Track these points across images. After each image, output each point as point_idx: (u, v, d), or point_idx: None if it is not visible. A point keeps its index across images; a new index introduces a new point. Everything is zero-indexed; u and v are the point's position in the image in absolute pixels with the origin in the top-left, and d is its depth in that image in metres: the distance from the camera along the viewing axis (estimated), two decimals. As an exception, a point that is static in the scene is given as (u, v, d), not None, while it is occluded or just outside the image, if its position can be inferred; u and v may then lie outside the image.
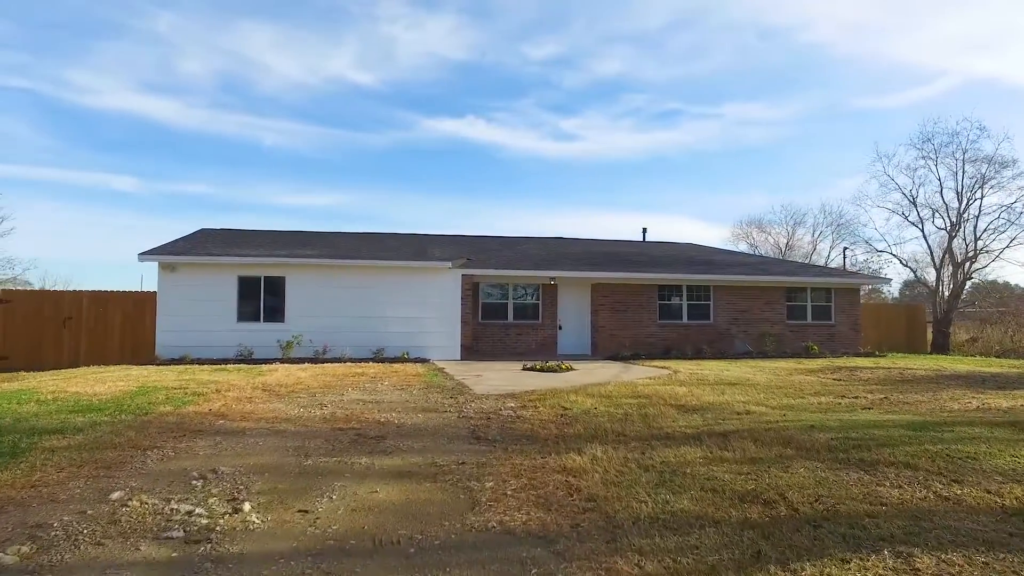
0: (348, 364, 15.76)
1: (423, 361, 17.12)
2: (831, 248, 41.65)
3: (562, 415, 7.78)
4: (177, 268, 17.32)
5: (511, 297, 20.68)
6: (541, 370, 14.42)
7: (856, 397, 9.78)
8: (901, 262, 27.93)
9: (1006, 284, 27.97)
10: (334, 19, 51.30)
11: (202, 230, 22.52)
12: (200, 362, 15.97)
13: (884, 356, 20.64)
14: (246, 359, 16.60)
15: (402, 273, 18.41)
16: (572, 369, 14.71)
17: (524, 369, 14.75)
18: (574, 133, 65.39)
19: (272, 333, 17.29)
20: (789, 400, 9.39)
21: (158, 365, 15.50)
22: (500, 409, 8.34)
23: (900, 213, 27.28)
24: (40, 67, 48.52)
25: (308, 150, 67.22)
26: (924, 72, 55.53)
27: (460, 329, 18.50)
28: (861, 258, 31.16)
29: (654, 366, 15.74)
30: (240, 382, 11.03)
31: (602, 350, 19.77)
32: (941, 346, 24.48)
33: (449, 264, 18.45)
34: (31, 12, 44.74)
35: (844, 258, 31.38)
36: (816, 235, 42.65)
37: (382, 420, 7.43)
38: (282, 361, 16.33)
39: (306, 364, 15.74)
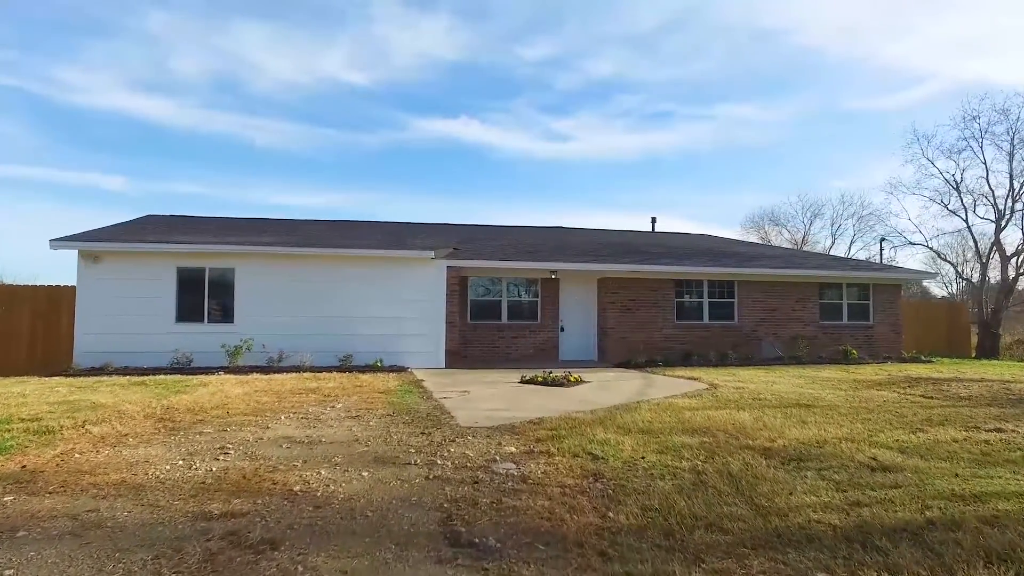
0: (305, 375, 12.81)
1: (399, 370, 14.19)
2: (852, 242, 39.05)
3: (595, 475, 4.85)
4: (101, 258, 14.27)
5: (505, 294, 17.75)
6: (544, 383, 11.51)
7: (999, 430, 6.92)
8: (939, 256, 25.39)
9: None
10: (327, 19, 49.39)
11: (148, 216, 19.47)
12: (124, 372, 12.97)
13: (932, 361, 17.92)
14: (183, 368, 13.62)
15: (376, 265, 15.44)
16: (582, 382, 11.81)
17: (523, 382, 11.84)
18: (567, 134, 64.81)
19: (217, 336, 14.28)
20: (909, 436, 6.51)
21: (71, 376, 12.48)
22: (494, 460, 5.41)
23: (939, 201, 24.52)
24: (29, 65, 45.92)
25: (300, 150, 66.22)
26: (915, 74, 55.23)
27: (445, 331, 15.56)
28: (887, 253, 28.52)
29: (681, 377, 12.86)
30: (136, 406, 8.04)
31: (611, 355, 16.88)
32: (989, 349, 21.75)
33: (431, 254, 15.50)
34: (19, 9, 41.96)
35: (881, 250, 28.58)
36: (835, 229, 40.02)
37: (298, 489, 4.47)
38: (227, 370, 13.35)
39: (254, 375, 12.78)
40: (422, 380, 12.24)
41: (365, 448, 5.92)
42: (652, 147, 65.67)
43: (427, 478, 4.84)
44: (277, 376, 12.52)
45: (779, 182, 70.05)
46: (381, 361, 14.76)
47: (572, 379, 11.71)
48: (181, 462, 5.18)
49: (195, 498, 4.14)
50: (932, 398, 9.66)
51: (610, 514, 3.91)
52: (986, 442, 6.27)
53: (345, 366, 14.32)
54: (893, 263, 27.00)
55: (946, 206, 24.38)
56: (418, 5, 50.01)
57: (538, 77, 60.20)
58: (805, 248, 37.12)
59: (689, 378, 12.53)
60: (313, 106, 60.87)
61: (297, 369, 13.78)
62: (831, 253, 35.92)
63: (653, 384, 11.62)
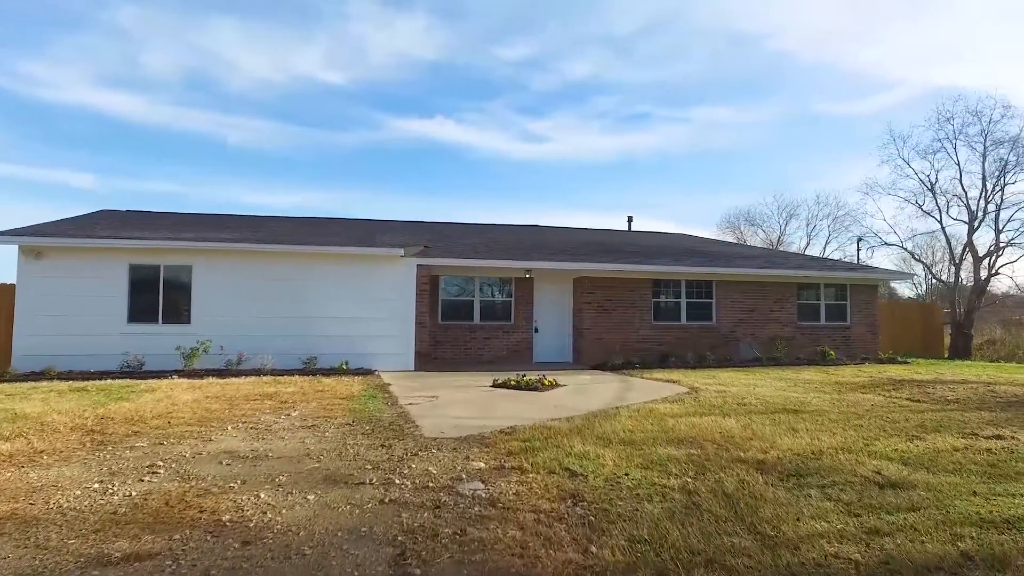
0: (265, 379, 12.07)
1: (366, 373, 13.50)
2: (827, 243, 39.20)
3: (573, 496, 4.28)
4: (45, 254, 13.32)
5: (478, 293, 17.13)
6: (518, 387, 10.93)
7: (998, 436, 6.52)
8: (914, 257, 25.40)
9: None
10: (304, 17, 48.35)
11: (102, 211, 18.44)
12: (67, 377, 12.06)
13: (908, 362, 17.76)
14: (133, 371, 12.76)
15: (342, 263, 14.71)
16: (558, 385, 11.25)
17: (495, 385, 11.25)
18: (544, 135, 64.50)
19: (172, 338, 13.42)
20: (908, 445, 6.07)
21: (6, 381, 11.54)
22: (460, 479, 4.80)
23: (914, 202, 24.48)
24: (-8, 58, 43.91)
25: (276, 149, 64.69)
26: (885, 80, 56.12)
27: (415, 332, 14.89)
28: (862, 254, 28.53)
29: (660, 379, 12.39)
30: (66, 416, 7.26)
31: (587, 357, 16.37)
32: (962, 350, 21.74)
33: (401, 252, 14.82)
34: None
35: (858, 250, 28.54)
36: (811, 229, 40.15)
37: (228, 519, 3.82)
38: (181, 374, 12.54)
39: (209, 379, 12.00)
40: (389, 384, 11.59)
41: (316, 464, 5.28)
42: (628, 149, 65.87)
43: (382, 501, 4.22)
44: (234, 380, 11.76)
45: (755, 184, 70.73)
46: (347, 363, 14.05)
47: (547, 383, 11.15)
48: (97, 485, 4.48)
49: (98, 534, 3.46)
50: (920, 401, 9.31)
51: (593, 548, 3.34)
52: (989, 451, 5.85)
53: (309, 369, 13.60)
54: (869, 264, 26.98)
55: (921, 207, 24.43)
56: (395, 4, 49.36)
57: (515, 78, 60.02)
58: (780, 249, 37.15)
59: (668, 381, 12.06)
60: (289, 104, 59.78)
61: (258, 372, 13.02)
62: (807, 254, 35.98)
63: (631, 388, 11.11)
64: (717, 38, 53.06)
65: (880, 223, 30.04)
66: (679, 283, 17.62)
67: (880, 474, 4.86)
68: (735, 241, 38.48)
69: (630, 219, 24.58)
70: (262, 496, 4.29)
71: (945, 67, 50.59)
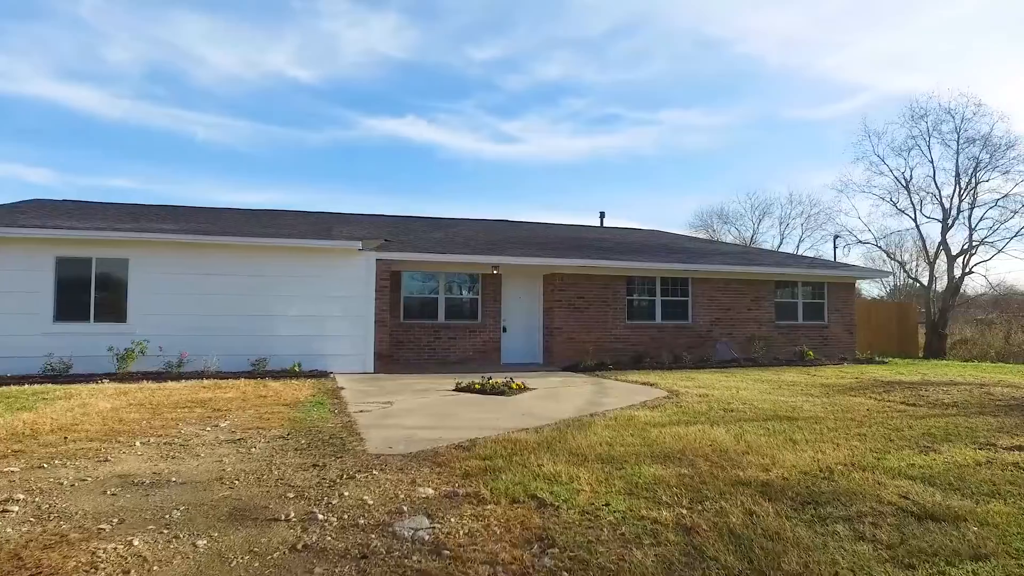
0: (206, 383, 10.97)
1: (319, 376, 12.44)
2: (800, 241, 39.02)
3: (542, 539, 3.35)
4: (-42, 245, 11.97)
5: (443, 291, 16.14)
6: (482, 391, 10.00)
7: (1019, 448, 5.79)
8: (889, 255, 25.12)
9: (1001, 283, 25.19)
10: (273, 13, 46.73)
11: (34, 200, 16.99)
12: (-22, 381, 10.76)
13: (886, 362, 17.31)
14: (57, 375, 11.50)
15: (296, 257, 13.61)
16: (526, 389, 10.35)
17: (458, 389, 10.30)
18: (515, 135, 64.17)
19: (105, 338, 12.18)
20: (924, 460, 5.29)
21: (-93, 387, 10.22)
22: (400, 513, 3.85)
23: (889, 200, 24.16)
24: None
25: (244, 146, 63.16)
26: (848, 86, 56.92)
27: (374, 332, 13.86)
28: (840, 252, 28.25)
29: (636, 382, 11.56)
30: (-58, 430, 6.11)
31: (558, 358, 15.50)
32: (937, 350, 21.43)
33: (359, 245, 13.77)
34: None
35: (835, 247, 28.20)
36: (784, 228, 39.94)
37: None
38: (113, 378, 11.36)
39: (144, 383, 10.83)
40: (342, 388, 10.56)
41: (226, 492, 4.27)
42: (599, 150, 65.60)
43: (294, 548, 3.25)
44: (170, 385, 10.60)
45: (724, 187, 71.10)
46: (300, 365, 12.96)
47: (514, 386, 10.24)
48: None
49: None
50: (916, 405, 8.62)
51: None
52: (1017, 466, 5.10)
53: (258, 371, 12.49)
54: (845, 262, 26.65)
55: (895, 204, 24.12)
56: (367, 2, 48.25)
57: (487, 78, 59.53)
58: (754, 247, 36.85)
59: (645, 383, 11.24)
60: (258, 102, 58.26)
61: (200, 375, 11.88)
62: (783, 251, 35.75)
63: (606, 391, 10.26)
64: (684, 41, 53.20)
65: (854, 221, 30.15)
66: (654, 280, 16.87)
67: (910, 499, 4.04)
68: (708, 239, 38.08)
69: (602, 215, 23.85)
70: (135, 544, 3.28)
71: (907, 75, 51.50)
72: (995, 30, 43.51)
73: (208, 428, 6.65)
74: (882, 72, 53.17)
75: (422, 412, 7.97)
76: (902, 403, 8.85)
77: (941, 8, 44.59)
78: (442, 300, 16.05)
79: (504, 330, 16.35)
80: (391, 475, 4.74)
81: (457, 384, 10.62)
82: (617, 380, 12.02)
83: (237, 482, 4.54)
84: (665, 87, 60.94)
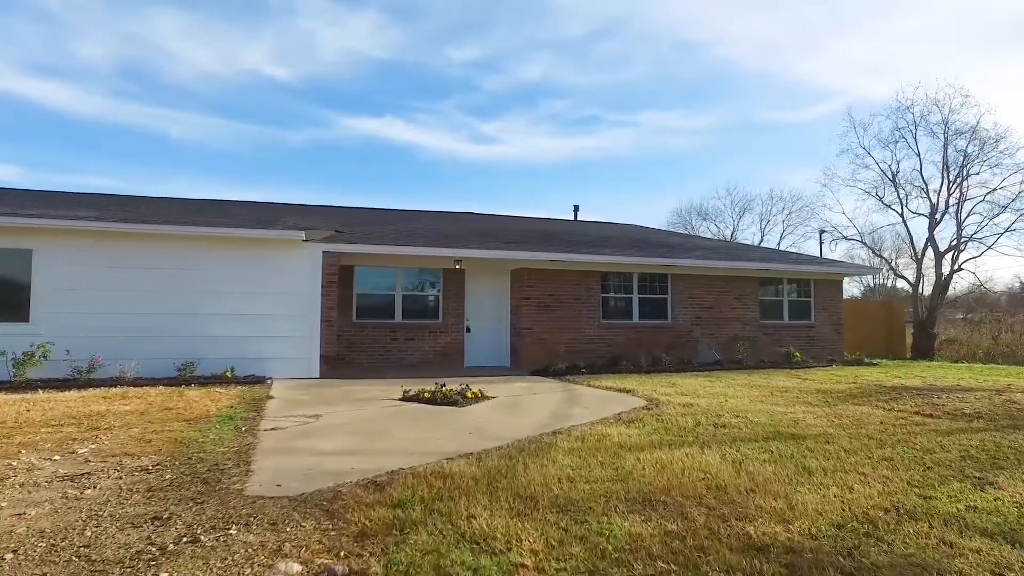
0: (114, 391, 9.55)
1: (255, 382, 10.97)
2: (782, 238, 38.12)
3: None
4: None
5: (400, 287, 14.66)
6: (432, 400, 8.58)
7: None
8: (875, 252, 24.14)
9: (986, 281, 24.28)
10: (250, 10, 45.14)
11: (-58, 187, 15.18)
12: None
13: (877, 364, 16.24)
14: (-63, 384, 9.84)
15: (231, 249, 12.06)
16: (484, 397, 8.95)
17: (405, 398, 8.87)
18: (494, 136, 63.33)
19: (2, 340, 10.54)
20: (984, 500, 4.01)
21: None
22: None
23: (875, 194, 23.14)
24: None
25: (220, 144, 61.23)
26: (823, 91, 56.51)
27: (320, 332, 12.36)
28: (826, 247, 27.20)
29: (611, 388, 10.23)
30: None
31: (526, 361, 14.12)
32: (925, 350, 20.44)
33: (302, 235, 12.26)
34: None
35: (820, 243, 27.16)
36: (765, 225, 39.01)
37: None
38: (5, 387, 9.74)
39: (37, 393, 9.30)
40: (271, 397, 9.09)
41: (-14, 574, 2.81)
42: (578, 151, 64.90)
43: None
44: (66, 395, 9.05)
45: (704, 187, 70.52)
46: (233, 370, 11.42)
47: (470, 394, 8.83)
48: None
49: None
50: (934, 417, 7.38)
51: None
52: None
53: (183, 377, 10.94)
54: (832, 258, 25.64)
55: (881, 199, 23.10)
56: (345, 1, 46.82)
57: (466, 78, 58.62)
58: (737, 242, 35.86)
59: (621, 390, 9.91)
60: (235, 99, 56.46)
61: (115, 382, 10.34)
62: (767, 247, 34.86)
63: (577, 400, 8.89)
64: (663, 44, 52.72)
65: (839, 216, 29.12)
66: (631, 276, 15.58)
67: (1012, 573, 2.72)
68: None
69: (576, 208, 22.49)
70: None
71: (881, 82, 51.43)
72: (968, 38, 43.21)
73: (58, 456, 5.15)
74: (858, 77, 53.09)
75: (348, 429, 6.52)
76: (916, 413, 7.61)
77: (915, 14, 44.31)
78: (399, 298, 14.58)
79: (468, 331, 14.93)
80: (254, 535, 3.30)
81: (405, 392, 9.18)
82: (590, 386, 10.68)
83: (22, 549, 3.08)
84: (645, 89, 60.52)
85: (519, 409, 8.03)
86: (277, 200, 18.38)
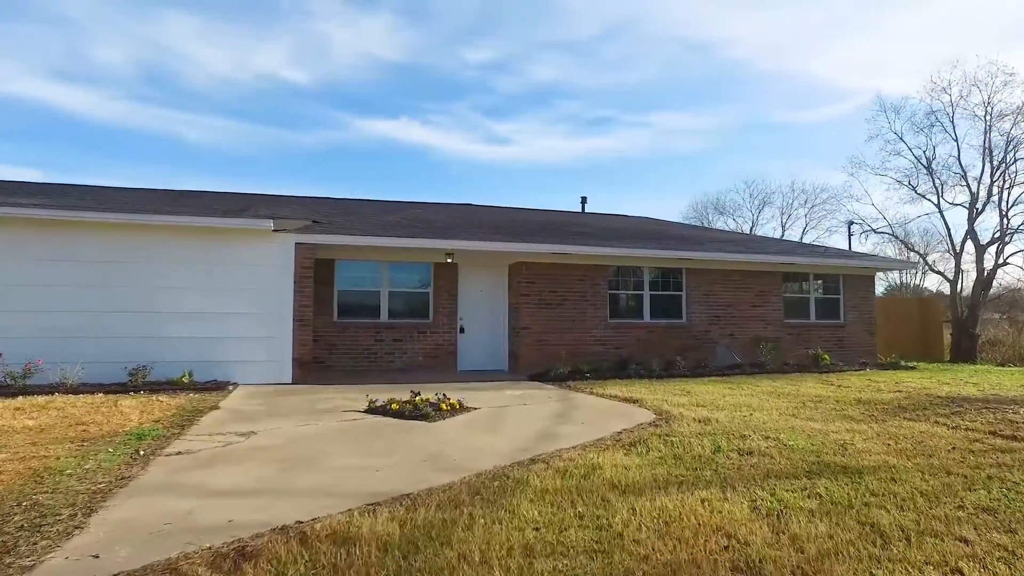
0: (40, 399, 8.33)
1: (216, 388, 9.76)
2: (804, 232, 36.33)
3: None
4: None
5: (386, 283, 13.30)
6: (400, 413, 7.21)
7: None
8: (907, 246, 22.40)
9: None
10: (266, 13, 45.16)
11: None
12: None
13: (915, 368, 14.62)
14: None
15: (190, 240, 10.80)
16: (463, 410, 7.56)
17: (369, 410, 7.51)
18: (508, 137, 62.46)
19: (-74, 342, 9.37)
20: None
21: None
22: None
23: (907, 183, 21.37)
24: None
25: (235, 147, 61.26)
26: (836, 91, 54.97)
27: (293, 333, 11.06)
28: (856, 240, 25.44)
29: (615, 397, 8.79)
30: None
31: (526, 364, 12.70)
32: (966, 351, 18.69)
33: (270, 224, 10.97)
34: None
35: (849, 236, 25.41)
36: (786, 219, 37.22)
37: None
38: (-78, 395, 8.55)
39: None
40: (216, 408, 7.78)
41: None
42: (593, 152, 64.00)
43: None
44: (-22, 405, 7.79)
45: (719, 184, 69.01)
46: (190, 375, 10.15)
47: (445, 406, 7.44)
48: None
49: None
50: (1017, 438, 5.86)
51: None
52: None
53: (133, 383, 9.69)
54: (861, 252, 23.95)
55: (914, 188, 21.35)
56: (359, 3, 46.74)
57: (480, 80, 57.79)
58: (757, 235, 34.19)
59: (626, 400, 8.47)
60: (249, 103, 56.28)
61: (54, 389, 9.11)
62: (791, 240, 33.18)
63: (572, 413, 7.47)
64: (673, 45, 51.84)
65: (867, 208, 27.32)
66: (642, 271, 14.12)
67: None
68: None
69: (583, 200, 21.01)
70: None
71: (895, 79, 49.56)
72: (983, 33, 41.10)
73: None
74: (867, 78, 51.46)
75: (272, 455, 5.15)
76: (992, 434, 6.09)
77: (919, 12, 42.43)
78: (385, 295, 13.22)
79: (462, 331, 13.54)
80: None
81: (371, 403, 7.80)
82: (592, 394, 9.25)
83: None
84: (656, 89, 59.62)
85: (499, 425, 6.63)
86: (255, 191, 17.10)
